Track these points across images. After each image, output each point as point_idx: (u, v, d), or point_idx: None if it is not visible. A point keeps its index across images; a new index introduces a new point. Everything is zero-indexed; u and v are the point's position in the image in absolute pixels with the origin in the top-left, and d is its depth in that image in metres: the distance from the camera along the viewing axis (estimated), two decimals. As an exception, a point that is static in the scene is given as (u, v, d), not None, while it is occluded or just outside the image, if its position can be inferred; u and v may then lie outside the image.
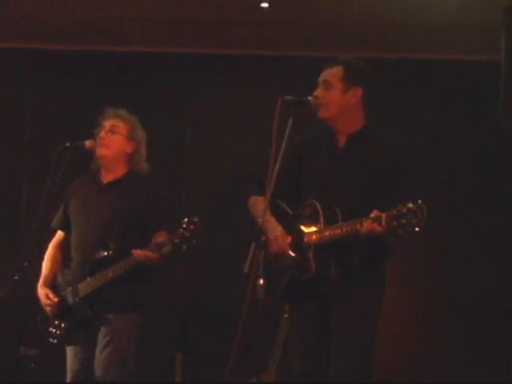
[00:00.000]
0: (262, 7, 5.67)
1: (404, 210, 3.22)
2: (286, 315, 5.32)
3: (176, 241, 4.02)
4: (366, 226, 3.34)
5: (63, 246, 4.49)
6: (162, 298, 5.65)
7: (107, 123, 4.36)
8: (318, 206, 3.57)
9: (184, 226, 4.01)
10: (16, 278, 3.96)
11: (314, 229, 3.57)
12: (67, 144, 4.28)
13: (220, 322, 5.32)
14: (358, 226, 3.38)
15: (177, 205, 5.70)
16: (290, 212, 3.73)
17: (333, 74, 3.68)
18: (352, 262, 3.55)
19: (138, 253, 4.10)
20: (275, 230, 3.65)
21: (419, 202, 3.22)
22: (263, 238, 3.35)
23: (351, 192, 3.57)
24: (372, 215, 3.33)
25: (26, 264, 4.02)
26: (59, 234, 4.51)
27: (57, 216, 4.48)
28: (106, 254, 4.20)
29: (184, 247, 4.03)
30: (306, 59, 6.10)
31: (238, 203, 5.88)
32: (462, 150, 6.06)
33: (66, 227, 4.46)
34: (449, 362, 5.87)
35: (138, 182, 4.35)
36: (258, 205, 3.75)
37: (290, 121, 3.49)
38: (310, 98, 3.64)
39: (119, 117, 4.38)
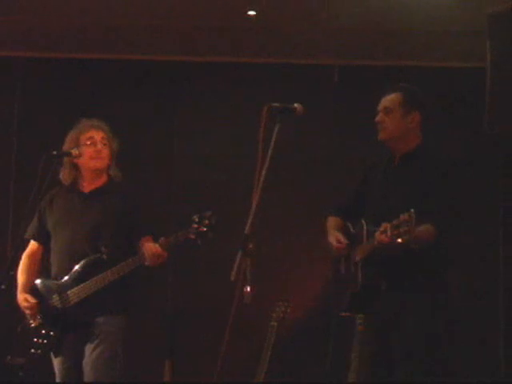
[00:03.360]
0: (249, 15, 5.68)
1: (401, 220, 3.42)
2: (273, 323, 5.32)
3: (191, 236, 4.11)
4: (377, 238, 3.57)
5: (38, 256, 4.50)
6: (149, 303, 5.68)
7: (97, 135, 4.40)
8: (364, 225, 3.79)
9: (196, 220, 4.12)
10: (2, 286, 3.95)
11: (359, 245, 3.81)
12: (54, 152, 4.30)
13: (208, 328, 5.32)
14: (372, 241, 3.62)
15: (165, 212, 5.70)
16: (352, 231, 3.95)
17: (392, 100, 3.93)
18: (403, 276, 3.71)
19: (149, 246, 4.14)
20: (333, 235, 3.97)
21: (411, 210, 3.39)
22: (250, 246, 3.35)
23: (400, 209, 3.65)
24: (381, 227, 3.53)
25: (12, 273, 4.02)
26: (32, 244, 4.51)
27: (31, 227, 4.47)
28: (99, 256, 4.21)
29: (199, 242, 4.13)
30: (293, 66, 6.12)
31: (227, 210, 5.92)
32: (448, 155, 6.07)
33: (41, 239, 4.47)
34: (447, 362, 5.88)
35: (119, 189, 4.42)
36: (331, 224, 4.10)
37: (277, 128, 3.51)
38: (296, 104, 3.66)
39: (101, 128, 4.44)
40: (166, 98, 6.25)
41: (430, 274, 3.75)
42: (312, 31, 5.82)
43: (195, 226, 4.11)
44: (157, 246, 4.15)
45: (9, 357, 4.43)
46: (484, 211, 6.03)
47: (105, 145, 4.38)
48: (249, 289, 3.23)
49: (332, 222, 4.11)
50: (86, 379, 4.19)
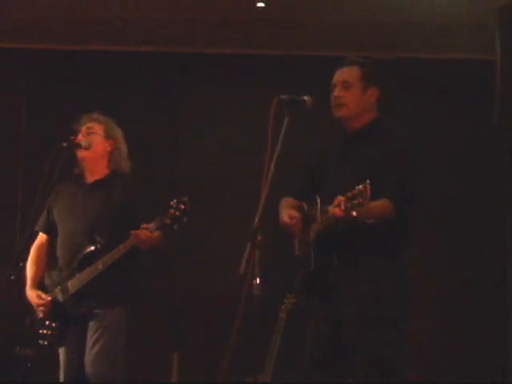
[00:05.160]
0: (259, 7, 5.68)
1: (355, 192, 3.33)
2: (282, 315, 5.33)
3: (167, 221, 4.09)
4: (331, 211, 3.45)
5: (46, 248, 4.55)
6: (156, 297, 5.69)
7: (83, 127, 4.45)
8: (318, 202, 3.66)
9: (174, 206, 4.08)
10: (12, 277, 3.96)
11: (314, 224, 3.66)
12: (63, 144, 4.32)
13: (217, 321, 5.33)
14: (328, 215, 3.50)
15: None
16: (307, 211, 3.80)
17: (351, 74, 3.77)
18: (355, 251, 3.60)
19: (137, 232, 4.13)
20: (285, 212, 3.77)
21: (367, 181, 3.31)
22: (259, 238, 3.36)
23: (357, 183, 3.57)
24: (335, 201, 3.42)
25: (21, 264, 4.03)
26: (41, 236, 4.56)
27: (40, 219, 4.52)
28: (93, 247, 4.24)
29: (175, 227, 4.10)
30: (302, 59, 6.11)
31: (234, 202, 5.93)
32: (457, 148, 6.07)
33: (49, 231, 4.52)
34: (446, 362, 5.88)
35: (122, 181, 4.43)
36: (283, 204, 3.91)
37: (286, 120, 3.51)
38: (305, 97, 3.66)
39: (92, 119, 4.49)
40: (170, 91, 6.24)
41: (383, 253, 3.63)
42: (320, 23, 5.81)
43: (172, 211, 4.09)
44: (138, 232, 4.13)
45: (18, 348, 4.45)
46: (488, 206, 6.02)
47: (89, 134, 4.41)
48: (258, 281, 3.25)
49: (284, 202, 3.93)
50: (86, 375, 4.20)
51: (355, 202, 3.33)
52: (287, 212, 3.77)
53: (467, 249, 6.02)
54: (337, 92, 3.75)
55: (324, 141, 3.95)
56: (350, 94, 3.74)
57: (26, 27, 5.96)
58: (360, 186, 3.32)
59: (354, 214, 3.34)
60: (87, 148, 4.38)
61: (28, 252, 4.43)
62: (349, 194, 3.36)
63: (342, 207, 3.38)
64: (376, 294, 3.60)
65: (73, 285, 4.26)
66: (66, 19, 5.82)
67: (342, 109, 3.74)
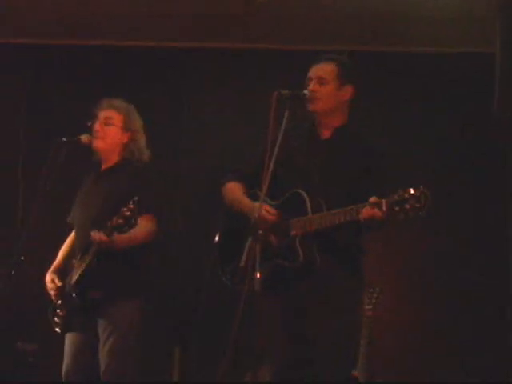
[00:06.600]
0: (259, 1, 5.67)
1: (406, 196, 3.26)
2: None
3: (120, 221, 3.95)
4: (366, 211, 3.36)
5: None
6: (160, 291, 5.69)
7: (101, 115, 4.38)
8: (305, 196, 3.59)
9: (128, 205, 3.93)
10: (13, 272, 3.96)
11: (300, 218, 3.58)
12: (63, 139, 4.30)
13: (218, 316, 5.34)
14: (355, 214, 3.40)
15: (172, 201, 5.69)
16: (270, 201, 3.69)
17: (328, 70, 3.76)
18: (336, 253, 3.59)
19: (94, 233, 4.04)
20: (255, 207, 3.60)
21: (421, 187, 3.24)
22: (260, 232, 3.35)
23: (333, 183, 3.61)
24: (371, 200, 3.34)
25: (22, 258, 4.03)
26: None
27: (71, 212, 4.50)
28: (92, 239, 4.18)
29: (127, 228, 3.95)
30: (302, 53, 6.10)
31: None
32: (457, 141, 6.06)
33: None
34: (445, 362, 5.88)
35: (129, 168, 4.35)
36: (235, 191, 3.84)
37: (286, 115, 3.52)
38: (305, 91, 3.67)
39: (113, 107, 4.39)
40: (171, 86, 6.23)
41: (355, 254, 3.68)
42: (320, 17, 5.81)
43: (124, 210, 3.92)
44: (97, 232, 4.02)
45: (19, 343, 4.45)
46: (489, 201, 6.00)
47: (107, 124, 4.34)
48: (258, 275, 3.24)
49: (236, 188, 3.85)
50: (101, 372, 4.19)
51: (407, 206, 3.24)
52: (262, 205, 3.55)
53: (467, 247, 6.01)
54: (312, 86, 3.73)
55: (290, 133, 3.72)
56: (326, 89, 3.73)
57: (29, 23, 5.96)
58: (412, 190, 3.25)
59: (402, 218, 3.27)
60: (88, 143, 4.36)
61: (27, 247, 4.40)
62: (396, 197, 3.28)
63: (384, 209, 3.30)
64: (346, 286, 3.62)
65: (74, 275, 4.24)
66: (72, 14, 5.82)
67: (317, 103, 3.72)
